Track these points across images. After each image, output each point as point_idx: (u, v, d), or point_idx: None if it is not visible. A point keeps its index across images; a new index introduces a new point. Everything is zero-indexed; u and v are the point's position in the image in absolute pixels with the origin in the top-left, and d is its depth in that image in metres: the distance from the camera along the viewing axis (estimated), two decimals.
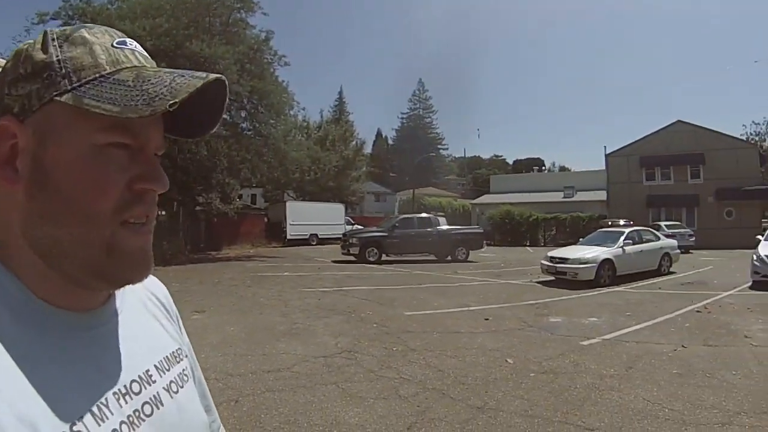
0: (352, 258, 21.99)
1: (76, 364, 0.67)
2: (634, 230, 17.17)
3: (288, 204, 34.71)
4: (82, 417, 0.63)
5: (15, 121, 0.65)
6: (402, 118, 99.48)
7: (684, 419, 4.80)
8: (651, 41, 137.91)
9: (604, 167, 41.80)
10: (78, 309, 0.71)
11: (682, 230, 28.51)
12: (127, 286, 0.74)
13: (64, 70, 0.65)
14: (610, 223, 28.45)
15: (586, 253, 14.89)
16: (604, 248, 15.15)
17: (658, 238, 17.51)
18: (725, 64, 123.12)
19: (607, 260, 14.61)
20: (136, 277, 0.72)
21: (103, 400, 0.67)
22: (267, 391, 5.61)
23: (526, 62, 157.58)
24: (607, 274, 14.49)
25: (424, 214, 25.49)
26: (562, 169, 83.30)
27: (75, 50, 0.67)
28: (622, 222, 27.49)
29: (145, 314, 0.87)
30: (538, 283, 14.93)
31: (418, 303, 11.35)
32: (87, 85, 0.64)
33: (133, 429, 0.69)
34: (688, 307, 10.55)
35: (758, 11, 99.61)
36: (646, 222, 29.36)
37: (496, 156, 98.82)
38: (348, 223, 37.96)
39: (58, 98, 0.63)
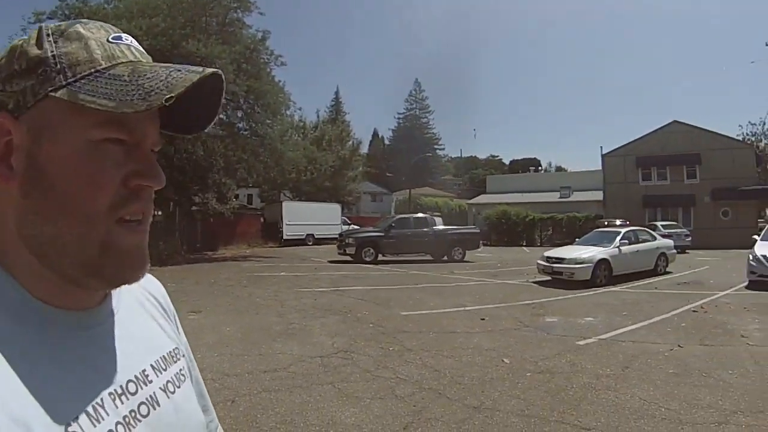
0: (348, 258, 21.97)
1: (71, 364, 0.66)
2: (630, 230, 17.20)
3: (284, 204, 34.69)
4: (77, 417, 0.62)
5: (10, 118, 0.64)
6: (398, 118, 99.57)
7: (680, 418, 4.81)
8: (649, 41, 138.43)
9: (600, 167, 41.85)
10: (74, 308, 0.70)
11: (679, 230, 28.55)
12: (124, 285, 0.73)
13: (59, 66, 0.64)
14: (606, 223, 28.52)
15: (582, 253, 14.91)
16: (601, 248, 15.18)
17: (655, 238, 17.56)
18: (723, 64, 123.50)
19: (603, 260, 14.64)
20: (131, 277, 0.71)
21: (98, 400, 0.66)
22: (263, 391, 5.60)
23: (523, 63, 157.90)
24: (603, 274, 14.51)
25: (420, 214, 25.48)
26: (559, 169, 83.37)
27: (70, 45, 0.66)
28: (618, 222, 27.57)
29: (142, 313, 0.87)
30: (535, 283, 14.94)
31: (414, 303, 11.34)
32: (82, 81, 0.63)
33: (129, 429, 0.68)
34: (684, 307, 10.58)
35: (756, 11, 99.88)
36: (643, 222, 29.40)
37: (493, 156, 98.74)
38: (344, 223, 37.91)
39: (53, 94, 0.63)
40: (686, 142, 36.39)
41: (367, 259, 21.59)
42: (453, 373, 6.30)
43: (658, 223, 29.36)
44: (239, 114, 24.26)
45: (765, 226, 16.70)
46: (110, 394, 0.68)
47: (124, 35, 0.71)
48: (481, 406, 5.21)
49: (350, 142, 49.00)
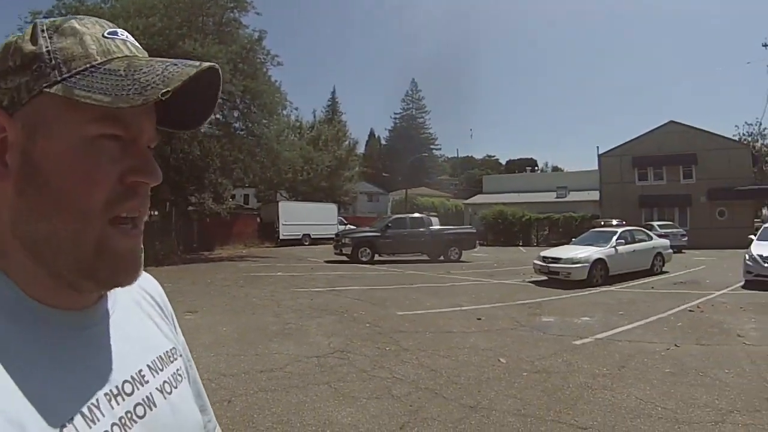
0: (344, 258, 21.98)
1: (67, 364, 0.66)
2: (626, 230, 17.24)
3: (281, 204, 34.70)
4: (72, 419, 0.61)
5: (4, 115, 0.63)
6: (395, 118, 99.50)
7: (677, 418, 4.81)
8: (646, 42, 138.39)
9: (596, 167, 41.91)
10: (70, 308, 0.70)
11: (675, 230, 28.63)
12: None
13: (53, 61, 0.63)
14: (602, 223, 28.59)
15: (578, 252, 14.93)
16: (597, 248, 15.21)
17: (651, 238, 17.61)
18: (720, 65, 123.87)
19: (599, 260, 14.67)
20: (124, 280, 0.71)
21: (94, 401, 0.65)
22: (260, 391, 5.59)
23: (519, 63, 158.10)
24: (599, 273, 14.54)
25: (416, 214, 25.48)
26: (555, 169, 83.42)
27: (65, 41, 0.65)
28: (614, 222, 27.63)
29: (139, 313, 0.86)
30: (531, 282, 14.96)
31: (410, 303, 11.34)
32: (77, 76, 0.63)
33: (125, 431, 0.68)
34: (680, 307, 10.60)
35: (752, 12, 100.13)
36: (639, 222, 29.44)
37: (489, 156, 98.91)
38: (341, 223, 37.94)
39: (47, 90, 0.62)
40: (682, 142, 36.49)
41: (364, 259, 21.57)
42: (449, 372, 6.30)
43: (655, 223, 29.44)
44: (236, 114, 24.23)
45: (761, 226, 16.74)
46: (106, 394, 0.68)
47: (119, 30, 0.70)
48: (477, 406, 5.21)
49: (347, 142, 49.10)
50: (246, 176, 27.57)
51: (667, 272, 16.96)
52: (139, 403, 0.72)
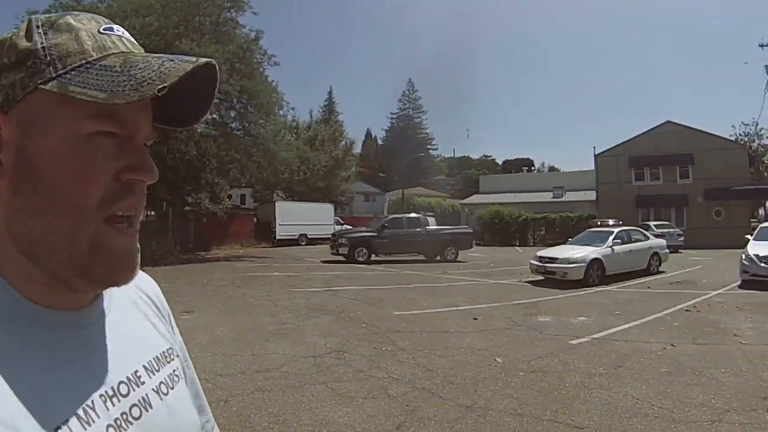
0: (341, 258, 21.97)
1: (62, 365, 0.65)
2: (623, 230, 17.27)
3: (277, 204, 34.69)
4: (67, 420, 0.61)
5: None
6: (391, 118, 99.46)
7: (673, 417, 4.82)
8: (645, 42, 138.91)
9: (593, 167, 42.02)
10: (65, 308, 0.69)
11: (671, 230, 28.73)
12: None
13: (48, 58, 0.62)
14: (599, 222, 28.67)
15: (575, 252, 14.95)
16: (593, 248, 15.22)
17: (647, 238, 17.63)
18: (717, 65, 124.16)
19: (596, 260, 14.68)
20: (120, 279, 0.70)
21: (89, 402, 0.65)
22: (256, 391, 5.58)
23: (516, 63, 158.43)
24: (596, 273, 14.55)
25: (413, 214, 25.52)
26: (552, 169, 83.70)
27: (60, 37, 0.64)
28: (611, 222, 27.68)
29: (135, 313, 0.85)
30: (527, 282, 14.97)
31: (407, 303, 11.34)
32: (72, 72, 0.62)
33: None
34: (677, 306, 10.62)
35: (750, 13, 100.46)
36: (635, 222, 29.51)
37: (486, 156, 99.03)
38: (337, 223, 37.93)
39: (42, 86, 0.61)
40: (679, 142, 36.57)
41: (360, 259, 21.59)
42: (446, 372, 6.30)
43: (651, 223, 29.53)
44: (232, 114, 24.22)
45: (757, 226, 16.78)
46: (101, 395, 0.67)
47: (115, 26, 0.70)
48: (473, 406, 5.21)
49: (343, 142, 49.14)
50: (243, 176, 27.54)
51: (663, 272, 16.99)
52: (134, 404, 0.71)
